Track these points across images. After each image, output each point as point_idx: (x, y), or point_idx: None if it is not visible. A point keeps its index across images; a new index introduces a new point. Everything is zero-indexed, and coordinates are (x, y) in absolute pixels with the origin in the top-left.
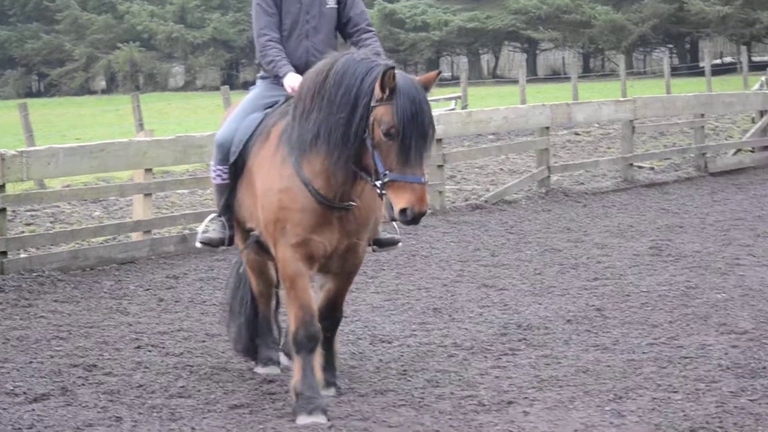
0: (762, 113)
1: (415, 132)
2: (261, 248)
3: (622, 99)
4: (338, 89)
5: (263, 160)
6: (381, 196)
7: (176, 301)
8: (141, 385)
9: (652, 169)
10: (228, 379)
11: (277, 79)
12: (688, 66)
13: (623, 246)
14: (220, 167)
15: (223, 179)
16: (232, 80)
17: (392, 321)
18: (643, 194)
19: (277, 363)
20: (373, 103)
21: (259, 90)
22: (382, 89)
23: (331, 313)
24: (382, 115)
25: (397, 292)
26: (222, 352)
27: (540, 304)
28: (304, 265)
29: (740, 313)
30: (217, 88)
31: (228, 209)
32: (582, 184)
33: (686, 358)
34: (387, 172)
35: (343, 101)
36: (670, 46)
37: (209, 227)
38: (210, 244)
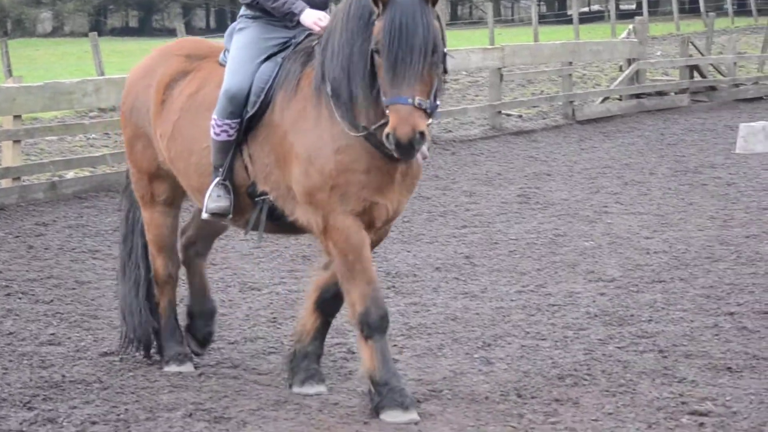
0: (629, 61)
1: (401, 46)
2: (271, 217)
3: (490, 47)
4: (357, 14)
5: (299, 115)
6: None
7: (46, 249)
8: (11, 333)
9: (520, 117)
10: (98, 326)
11: (290, 18)
12: (556, 14)
13: (491, 194)
14: (228, 121)
15: (230, 135)
16: (100, 26)
17: (261, 268)
18: (511, 142)
19: (191, 358)
20: (374, 20)
21: (254, 31)
22: (376, 3)
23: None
24: (376, 30)
25: (266, 239)
26: (92, 300)
27: (409, 251)
28: (366, 233)
29: (608, 261)
30: (85, 35)
31: (230, 171)
32: (450, 131)
33: (554, 305)
34: (384, 97)
35: (359, 26)
36: None
37: (214, 193)
38: (220, 214)
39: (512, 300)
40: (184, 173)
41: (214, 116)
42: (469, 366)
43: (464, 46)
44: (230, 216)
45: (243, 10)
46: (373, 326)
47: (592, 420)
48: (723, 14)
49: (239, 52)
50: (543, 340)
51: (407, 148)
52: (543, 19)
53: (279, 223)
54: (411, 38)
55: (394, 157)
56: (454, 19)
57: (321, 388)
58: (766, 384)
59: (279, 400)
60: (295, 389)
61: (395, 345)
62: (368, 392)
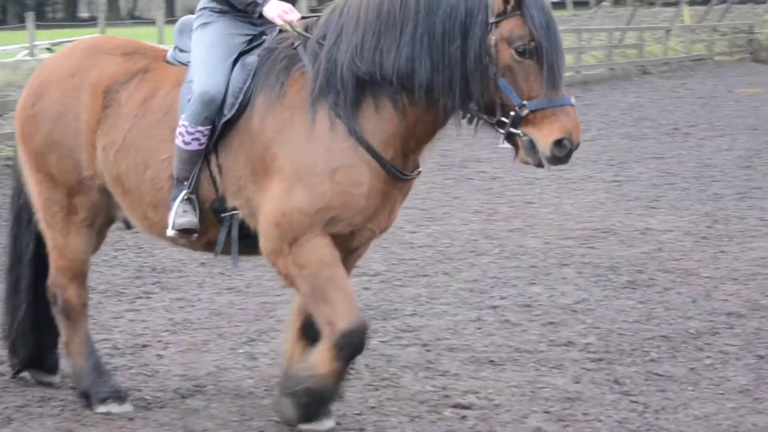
0: None
1: (554, 45)
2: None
3: None
4: (435, 10)
5: (286, 124)
6: (510, 137)
7: None
8: None
9: None
10: None
11: (252, 9)
12: None
13: None
14: (201, 128)
15: (201, 143)
16: None
17: None
18: None
19: (128, 395)
20: (491, 20)
21: (222, 26)
22: (506, 1)
23: None
24: (513, 29)
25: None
26: None
27: (174, 247)
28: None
29: (372, 255)
30: None
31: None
32: None
33: None
34: (525, 102)
35: (448, 25)
36: None
37: (179, 208)
38: (189, 230)
39: (277, 295)
40: (135, 190)
41: (184, 122)
42: (233, 361)
43: None
44: (195, 234)
45: (206, 2)
46: (357, 348)
47: (356, 414)
48: None
49: (210, 50)
50: None
51: (570, 156)
52: None
53: (246, 243)
54: (557, 37)
55: (400, 176)
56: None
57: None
58: (528, 376)
59: (45, 396)
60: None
61: (159, 341)
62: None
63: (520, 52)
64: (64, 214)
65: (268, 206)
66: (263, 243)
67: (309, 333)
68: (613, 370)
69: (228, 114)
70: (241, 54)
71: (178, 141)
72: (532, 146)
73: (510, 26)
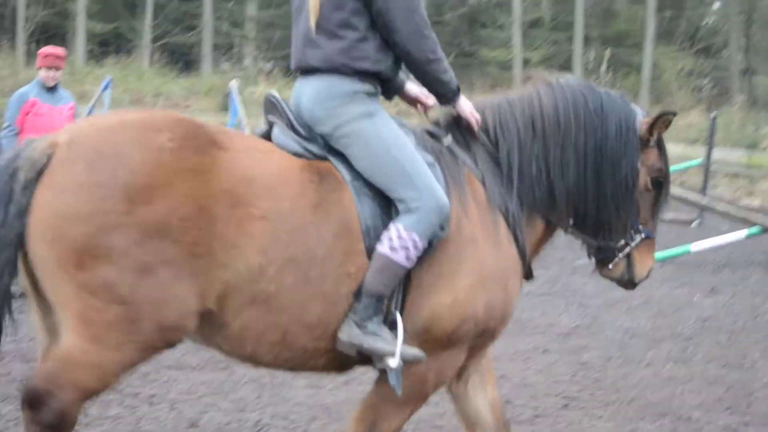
0: None
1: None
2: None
3: None
4: (606, 128)
5: (481, 228)
6: (613, 257)
7: None
8: None
9: None
10: None
11: (449, 97)
12: None
13: None
14: (426, 243)
15: (417, 257)
16: None
17: None
18: None
19: None
20: (639, 144)
21: (388, 116)
22: (651, 133)
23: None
24: (655, 160)
25: None
26: None
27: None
28: None
29: None
30: None
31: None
32: None
33: None
34: (640, 226)
35: (618, 144)
36: None
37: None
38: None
39: None
40: (294, 307)
41: (415, 236)
42: None
43: None
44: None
45: (356, 84)
46: None
47: None
48: None
49: (408, 151)
50: None
51: None
52: None
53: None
54: None
55: (531, 278)
56: None
57: None
58: None
59: None
60: None
61: None
62: None
63: (654, 183)
64: (136, 347)
65: (448, 311)
66: (416, 344)
67: None
68: None
69: (448, 230)
70: None
71: (399, 256)
72: (628, 269)
73: (653, 156)
